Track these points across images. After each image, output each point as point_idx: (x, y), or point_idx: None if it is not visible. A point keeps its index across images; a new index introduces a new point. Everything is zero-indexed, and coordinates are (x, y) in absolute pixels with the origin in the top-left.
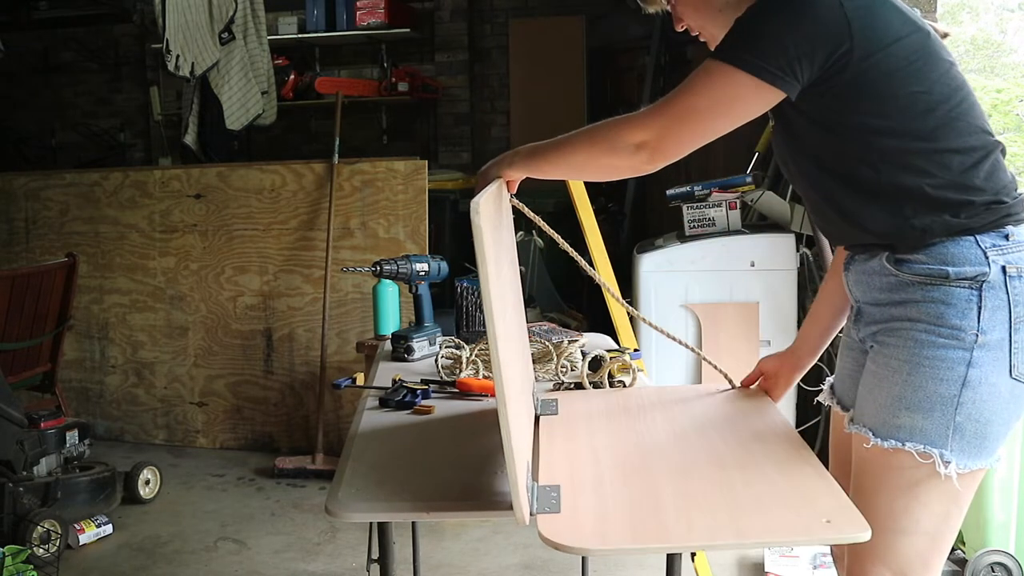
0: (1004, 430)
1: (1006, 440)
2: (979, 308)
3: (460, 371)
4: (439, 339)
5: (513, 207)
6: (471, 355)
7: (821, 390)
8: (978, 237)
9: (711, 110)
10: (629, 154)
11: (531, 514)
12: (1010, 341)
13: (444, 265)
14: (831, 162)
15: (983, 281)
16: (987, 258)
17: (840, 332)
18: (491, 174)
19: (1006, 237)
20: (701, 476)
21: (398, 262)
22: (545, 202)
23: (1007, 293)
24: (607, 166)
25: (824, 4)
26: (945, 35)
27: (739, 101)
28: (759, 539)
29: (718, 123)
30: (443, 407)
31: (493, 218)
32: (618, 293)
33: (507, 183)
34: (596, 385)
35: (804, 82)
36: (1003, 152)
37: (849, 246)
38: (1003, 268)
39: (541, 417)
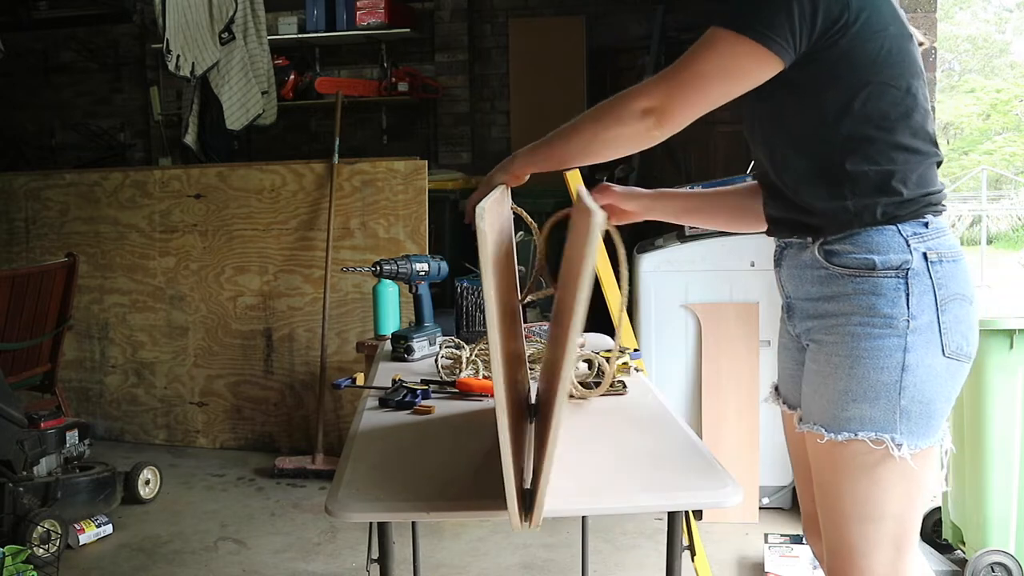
0: (946, 406)
1: (947, 415)
2: (907, 295)
3: (460, 371)
4: (439, 339)
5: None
6: (471, 355)
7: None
8: (900, 226)
9: (715, 75)
10: (636, 120)
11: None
12: (939, 322)
13: (444, 265)
14: (793, 132)
15: (907, 269)
16: (909, 246)
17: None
18: (494, 180)
19: (925, 225)
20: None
21: (398, 262)
22: (545, 202)
23: (930, 278)
24: (614, 138)
25: None
26: (921, 44)
27: (743, 68)
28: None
29: (723, 88)
30: (443, 407)
31: (496, 223)
32: (615, 284)
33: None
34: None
35: (799, 52)
36: (938, 164)
37: (782, 227)
38: (924, 255)
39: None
